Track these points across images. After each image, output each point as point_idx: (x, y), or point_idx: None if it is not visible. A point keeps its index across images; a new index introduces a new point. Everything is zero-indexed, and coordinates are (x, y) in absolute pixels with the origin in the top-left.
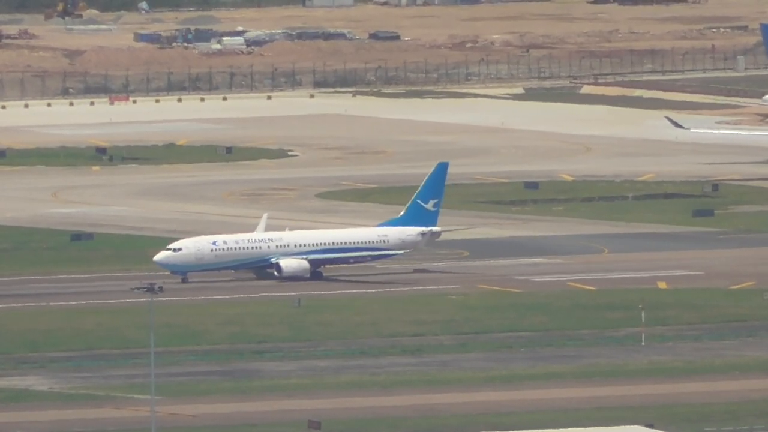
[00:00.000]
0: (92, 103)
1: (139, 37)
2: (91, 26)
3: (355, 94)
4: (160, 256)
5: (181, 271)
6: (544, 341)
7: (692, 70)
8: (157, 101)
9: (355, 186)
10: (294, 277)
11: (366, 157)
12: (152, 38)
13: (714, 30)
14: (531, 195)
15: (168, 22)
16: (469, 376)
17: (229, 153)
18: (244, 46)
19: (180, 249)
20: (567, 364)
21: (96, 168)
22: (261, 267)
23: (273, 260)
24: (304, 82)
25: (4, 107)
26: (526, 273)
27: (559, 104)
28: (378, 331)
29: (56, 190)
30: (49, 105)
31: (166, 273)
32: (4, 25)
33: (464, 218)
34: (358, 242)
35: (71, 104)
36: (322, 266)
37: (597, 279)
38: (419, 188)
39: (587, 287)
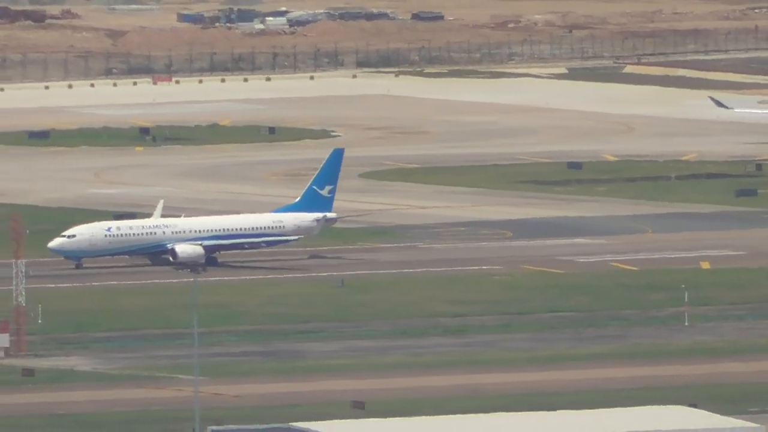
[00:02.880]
0: (135, 84)
1: (182, 18)
2: (134, 6)
3: (397, 74)
4: (55, 242)
5: (75, 257)
6: (587, 321)
7: (735, 50)
8: (200, 81)
9: (398, 166)
10: (189, 263)
11: (409, 137)
12: (195, 18)
13: (756, 11)
14: (574, 175)
15: (211, 2)
16: (513, 357)
17: (272, 133)
18: (287, 27)
19: (74, 235)
20: (610, 344)
21: (139, 148)
22: (156, 253)
23: (168, 246)
24: (347, 62)
25: (47, 88)
26: (569, 253)
27: (602, 84)
28: (422, 312)
29: (99, 171)
30: (92, 85)
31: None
32: (47, 5)
33: (506, 198)
34: (253, 228)
35: (114, 85)
36: (217, 252)
37: (640, 259)
38: (315, 175)
39: (630, 267)
